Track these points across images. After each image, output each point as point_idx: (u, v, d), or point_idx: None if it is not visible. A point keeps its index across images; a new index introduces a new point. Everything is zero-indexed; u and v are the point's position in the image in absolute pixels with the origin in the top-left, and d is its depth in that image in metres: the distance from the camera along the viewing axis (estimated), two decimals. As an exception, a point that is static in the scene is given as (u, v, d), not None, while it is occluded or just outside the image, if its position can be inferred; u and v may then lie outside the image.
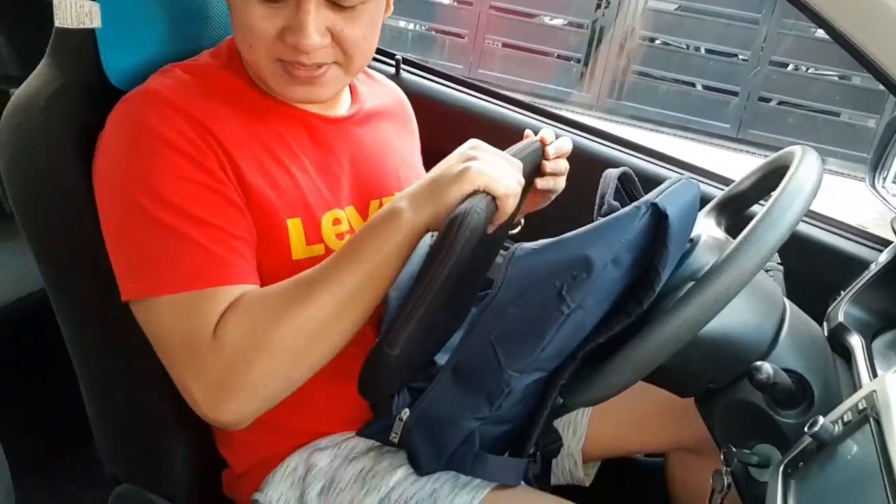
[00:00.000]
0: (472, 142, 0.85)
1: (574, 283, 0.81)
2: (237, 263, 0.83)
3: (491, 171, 0.80)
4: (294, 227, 0.90)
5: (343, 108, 1.01)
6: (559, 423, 1.10)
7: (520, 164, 0.86)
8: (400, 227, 0.80)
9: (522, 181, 0.84)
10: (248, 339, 0.78)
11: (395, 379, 0.88)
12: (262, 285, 0.87)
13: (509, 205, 0.81)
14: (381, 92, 1.13)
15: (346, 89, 1.03)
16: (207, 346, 0.79)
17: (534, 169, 1.01)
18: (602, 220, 0.84)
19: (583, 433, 1.14)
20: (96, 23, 0.90)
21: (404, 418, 0.93)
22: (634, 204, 0.83)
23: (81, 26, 0.90)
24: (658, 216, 0.81)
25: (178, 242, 0.81)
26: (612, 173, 1.01)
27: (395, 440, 0.94)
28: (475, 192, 0.78)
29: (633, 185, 1.02)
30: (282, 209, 0.89)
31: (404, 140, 1.11)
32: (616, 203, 0.97)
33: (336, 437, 0.98)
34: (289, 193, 0.90)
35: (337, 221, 0.95)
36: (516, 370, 0.85)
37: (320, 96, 0.92)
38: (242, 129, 0.89)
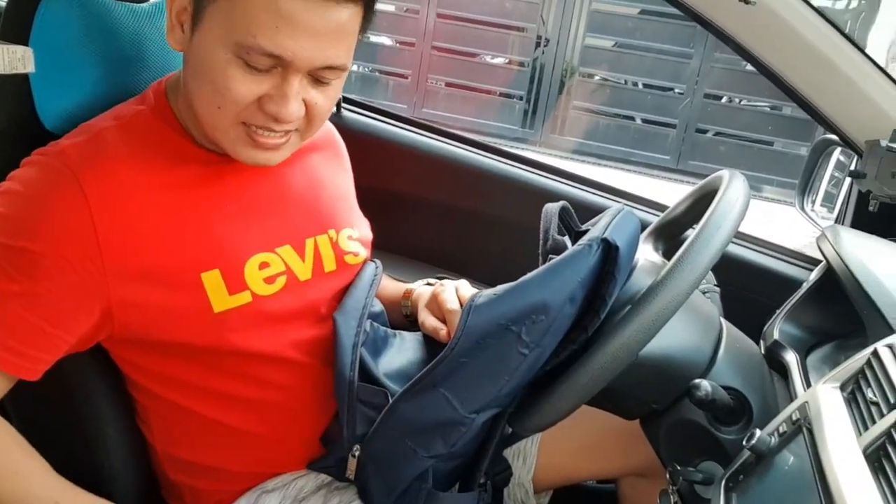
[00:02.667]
0: None
1: (534, 326, 0.82)
2: (27, 355, 0.82)
3: None
4: (210, 279, 0.88)
5: None
6: (508, 453, 1.11)
7: None
8: None
9: None
10: None
11: None
12: (187, 344, 0.88)
13: None
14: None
15: None
16: None
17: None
18: (555, 260, 0.85)
19: (533, 462, 1.14)
20: (30, 68, 0.89)
21: (356, 454, 0.93)
22: (585, 242, 0.85)
23: (15, 72, 0.89)
24: (608, 250, 0.84)
25: None
26: (552, 208, 1.03)
27: (351, 477, 0.94)
28: None
29: (571, 218, 1.05)
30: (193, 265, 0.88)
31: (336, 172, 1.11)
32: (560, 238, 1.00)
33: (285, 478, 0.96)
34: (203, 247, 0.89)
35: (264, 265, 0.93)
36: (474, 412, 0.86)
37: (276, 162, 0.91)
38: (156, 182, 0.88)
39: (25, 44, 0.90)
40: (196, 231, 0.89)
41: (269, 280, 0.93)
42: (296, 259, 0.96)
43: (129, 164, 0.87)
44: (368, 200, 1.16)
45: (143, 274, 0.85)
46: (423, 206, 1.59)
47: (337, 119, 1.53)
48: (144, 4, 1.04)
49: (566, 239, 1.00)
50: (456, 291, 1.01)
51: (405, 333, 1.08)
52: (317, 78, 0.84)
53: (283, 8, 0.77)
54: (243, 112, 0.84)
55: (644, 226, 1.07)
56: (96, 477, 0.98)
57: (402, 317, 1.12)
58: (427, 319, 1.01)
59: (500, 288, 0.87)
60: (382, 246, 1.16)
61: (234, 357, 0.90)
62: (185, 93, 0.89)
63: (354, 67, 7.48)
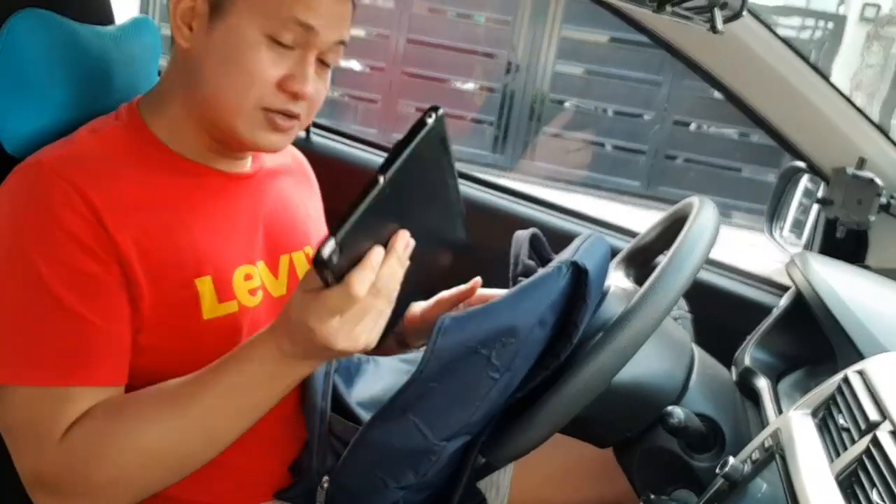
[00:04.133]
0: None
1: (504, 349, 0.81)
2: (103, 363, 0.81)
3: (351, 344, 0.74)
4: (203, 285, 0.88)
5: (247, 165, 1.01)
6: (482, 484, 1.09)
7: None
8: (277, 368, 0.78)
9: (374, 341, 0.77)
10: (93, 445, 0.78)
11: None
12: (172, 348, 0.86)
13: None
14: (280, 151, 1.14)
15: None
16: (53, 444, 0.78)
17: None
18: (525, 282, 0.85)
19: (506, 493, 1.13)
20: (-10, 89, 0.88)
21: (325, 485, 0.91)
22: (554, 265, 0.84)
23: (-26, 93, 0.88)
24: (578, 273, 0.83)
25: (45, 331, 0.79)
26: (522, 235, 1.03)
27: None
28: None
29: (541, 245, 1.05)
30: (188, 270, 0.87)
31: (306, 197, 1.12)
32: (531, 263, 0.99)
33: (251, 510, 0.94)
34: (195, 253, 0.88)
35: (248, 277, 0.93)
36: (444, 439, 0.84)
37: (283, 146, 0.94)
38: (144, 191, 0.87)
39: (-13, 66, 0.88)
40: (188, 237, 0.88)
41: (252, 292, 0.93)
42: (269, 276, 0.97)
43: (115, 170, 0.86)
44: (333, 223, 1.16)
45: (140, 269, 0.84)
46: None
47: (306, 144, 1.52)
48: (110, 27, 1.03)
49: (537, 266, 1.00)
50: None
51: (380, 359, 1.06)
52: (323, 61, 0.90)
53: None
54: (265, 95, 0.87)
55: (615, 252, 1.07)
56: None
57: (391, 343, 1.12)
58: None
59: (469, 310, 0.86)
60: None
61: None
62: (194, 89, 0.89)
63: (325, 92, 7.60)
